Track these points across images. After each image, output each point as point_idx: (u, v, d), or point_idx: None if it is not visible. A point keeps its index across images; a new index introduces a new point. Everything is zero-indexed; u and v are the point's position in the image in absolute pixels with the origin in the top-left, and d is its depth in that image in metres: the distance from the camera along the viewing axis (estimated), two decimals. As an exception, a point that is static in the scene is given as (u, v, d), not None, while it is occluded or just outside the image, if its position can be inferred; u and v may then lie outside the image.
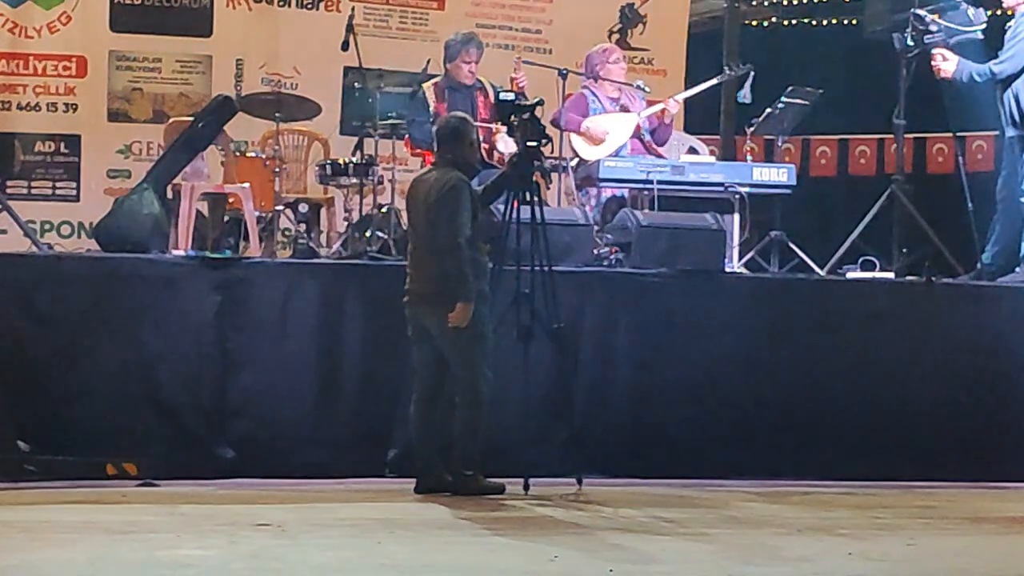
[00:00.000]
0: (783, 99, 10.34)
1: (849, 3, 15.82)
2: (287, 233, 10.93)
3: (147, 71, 12.10)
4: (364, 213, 10.23)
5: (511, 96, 8.71)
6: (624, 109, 10.37)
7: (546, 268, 8.15)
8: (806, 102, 10.45)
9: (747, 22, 16.08)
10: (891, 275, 9.88)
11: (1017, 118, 9.68)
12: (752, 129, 10.49)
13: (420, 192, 8.03)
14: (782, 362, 9.08)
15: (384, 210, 10.17)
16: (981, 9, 10.02)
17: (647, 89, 10.40)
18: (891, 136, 12.92)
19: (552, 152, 9.55)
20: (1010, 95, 9.69)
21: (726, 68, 10.60)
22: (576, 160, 10.33)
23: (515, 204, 8.20)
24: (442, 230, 7.82)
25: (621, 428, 8.86)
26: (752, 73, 10.32)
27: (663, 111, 10.38)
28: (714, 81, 10.76)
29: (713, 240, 9.26)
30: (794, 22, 16.30)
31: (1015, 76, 9.67)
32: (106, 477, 8.19)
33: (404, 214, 10.47)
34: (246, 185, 9.87)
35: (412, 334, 8.06)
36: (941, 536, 7.27)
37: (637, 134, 10.30)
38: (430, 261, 7.93)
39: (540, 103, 8.42)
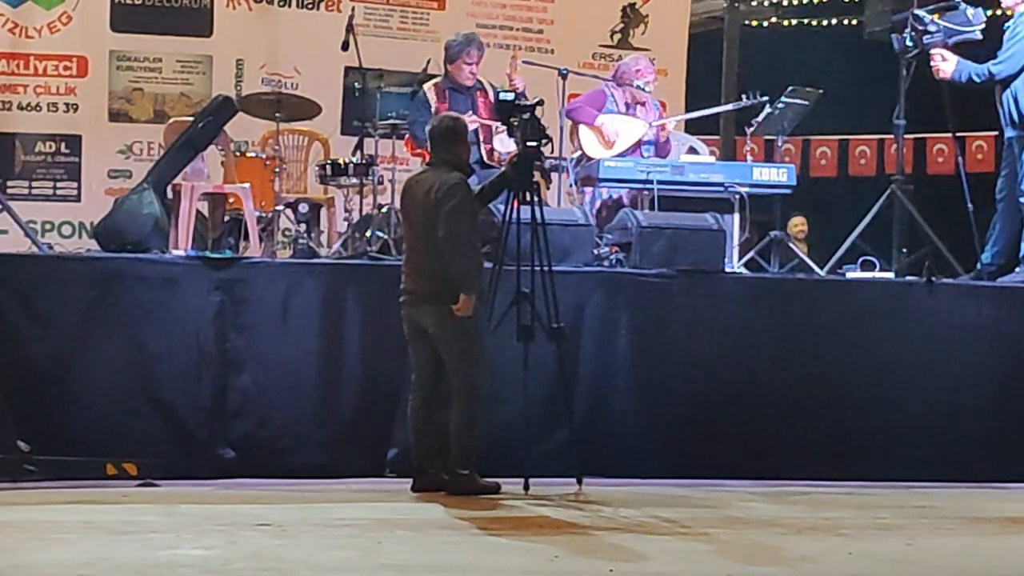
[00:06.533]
0: (783, 99, 10.34)
1: (849, 3, 15.85)
2: (287, 233, 10.94)
3: (148, 71, 12.10)
4: (364, 213, 10.24)
5: (511, 96, 8.70)
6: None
7: (546, 268, 8.16)
8: (806, 102, 10.45)
9: (747, 22, 16.12)
10: (891, 275, 9.88)
11: (1016, 118, 9.68)
12: (752, 129, 10.50)
13: (418, 192, 8.03)
14: (782, 362, 9.08)
15: (384, 210, 10.18)
16: (980, 9, 10.02)
17: (647, 89, 10.40)
18: (891, 136, 12.94)
19: (552, 152, 9.56)
20: (1009, 96, 9.70)
21: (743, 96, 10.56)
22: (579, 154, 10.32)
23: (515, 204, 8.20)
24: (444, 228, 7.82)
25: (621, 428, 8.86)
26: (766, 103, 10.31)
27: (663, 127, 10.41)
28: (730, 107, 10.76)
29: (713, 240, 9.26)
30: (794, 22, 16.33)
31: (1014, 76, 9.67)
32: (106, 477, 8.19)
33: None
34: (246, 185, 9.87)
35: (409, 334, 8.06)
36: (941, 536, 7.27)
37: (639, 146, 10.29)
38: (428, 261, 7.93)
39: (540, 103, 8.43)
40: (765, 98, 10.28)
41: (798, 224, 14.04)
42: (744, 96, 10.48)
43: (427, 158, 9.97)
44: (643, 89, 10.34)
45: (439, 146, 8.11)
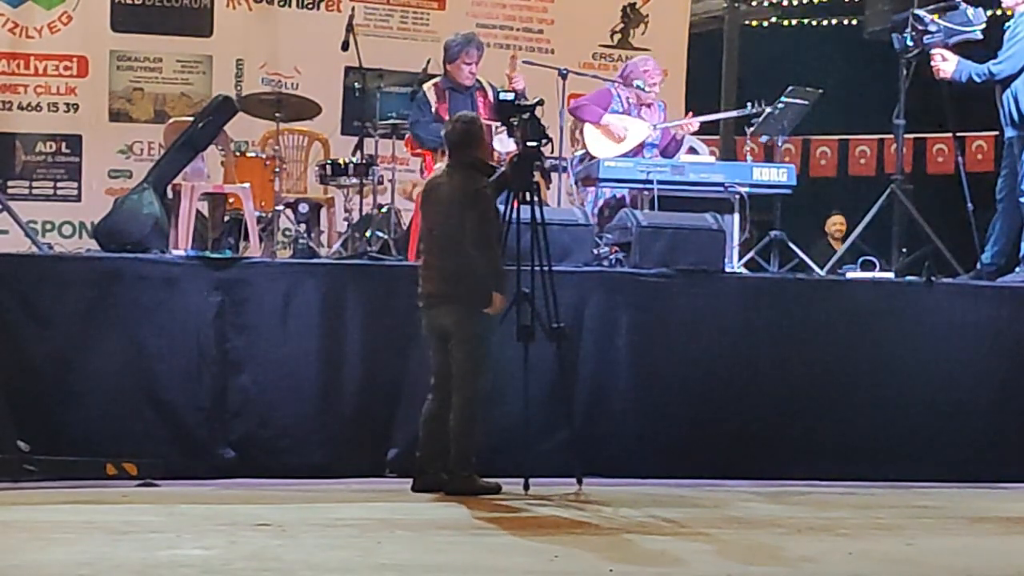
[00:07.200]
0: (783, 99, 10.34)
1: (849, 3, 15.86)
2: (287, 233, 10.94)
3: (148, 71, 12.10)
4: (364, 213, 10.24)
5: (511, 96, 8.70)
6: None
7: (546, 268, 8.16)
8: (806, 102, 10.45)
9: (747, 22, 16.13)
10: (891, 275, 9.89)
11: (1016, 118, 9.69)
12: (752, 129, 10.50)
13: (439, 195, 8.02)
14: (782, 362, 9.08)
15: (384, 210, 10.18)
16: (980, 9, 10.02)
17: (646, 89, 10.39)
18: (891, 136, 12.93)
19: (552, 152, 9.56)
20: (1009, 95, 9.70)
21: (748, 104, 10.54)
22: (582, 152, 10.31)
23: (515, 204, 8.20)
24: (473, 231, 7.82)
25: (621, 428, 8.86)
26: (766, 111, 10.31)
27: (681, 127, 10.41)
28: (734, 114, 10.75)
29: (713, 240, 9.26)
30: (794, 22, 16.35)
31: (1014, 76, 9.67)
32: (106, 477, 8.19)
33: (405, 215, 10.59)
34: (246, 185, 9.87)
35: (428, 337, 8.04)
36: (941, 536, 7.27)
37: (642, 148, 10.29)
38: (446, 262, 7.93)
39: (540, 103, 8.42)
40: (768, 109, 10.27)
41: (836, 223, 13.99)
42: (749, 104, 10.47)
43: (427, 158, 10.04)
44: (642, 89, 10.32)
45: (456, 149, 8.10)
